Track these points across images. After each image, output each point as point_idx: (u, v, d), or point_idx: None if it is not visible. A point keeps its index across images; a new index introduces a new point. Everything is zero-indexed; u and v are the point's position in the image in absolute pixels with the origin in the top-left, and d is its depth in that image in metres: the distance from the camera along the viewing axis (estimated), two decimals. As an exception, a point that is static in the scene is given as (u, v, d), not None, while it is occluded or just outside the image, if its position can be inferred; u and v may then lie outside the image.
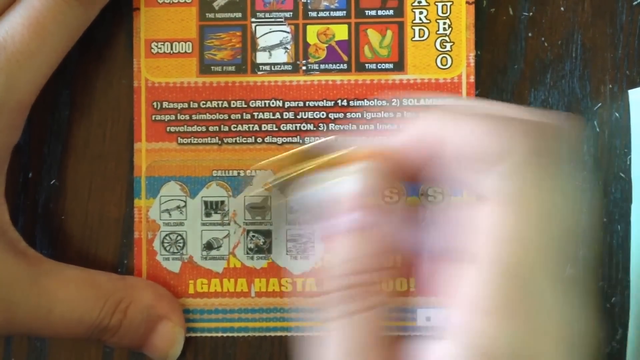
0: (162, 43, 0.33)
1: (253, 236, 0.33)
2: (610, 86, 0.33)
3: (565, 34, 0.33)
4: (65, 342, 0.33)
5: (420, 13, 0.33)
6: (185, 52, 0.33)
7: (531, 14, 0.33)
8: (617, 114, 0.33)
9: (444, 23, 0.33)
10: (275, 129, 0.33)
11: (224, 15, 0.33)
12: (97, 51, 0.33)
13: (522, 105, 0.33)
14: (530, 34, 0.33)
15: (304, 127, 0.33)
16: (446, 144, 0.23)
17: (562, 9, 0.33)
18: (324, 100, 0.33)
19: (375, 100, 0.33)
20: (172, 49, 0.33)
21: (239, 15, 0.33)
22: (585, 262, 0.33)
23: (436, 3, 0.33)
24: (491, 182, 0.22)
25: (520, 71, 0.33)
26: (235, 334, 0.33)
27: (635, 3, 0.33)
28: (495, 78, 0.33)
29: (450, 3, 0.33)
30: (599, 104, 0.33)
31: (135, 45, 0.33)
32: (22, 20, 0.29)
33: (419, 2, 0.33)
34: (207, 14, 0.33)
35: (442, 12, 0.33)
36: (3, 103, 0.29)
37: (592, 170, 0.33)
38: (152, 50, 0.33)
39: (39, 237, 0.33)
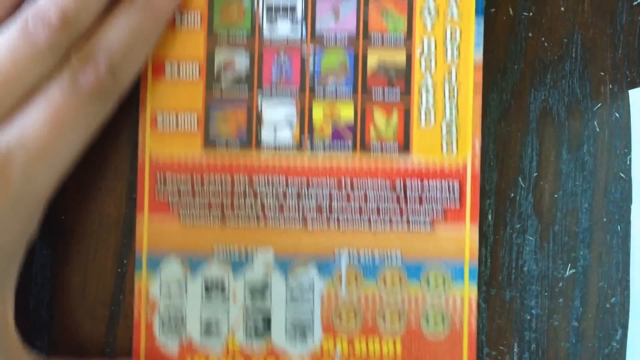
0: (168, 118, 0.33)
1: (253, 317, 0.33)
2: (610, 86, 0.33)
3: (565, 34, 0.33)
4: (65, 344, 0.33)
5: (427, 96, 0.33)
6: (191, 126, 0.33)
7: (531, 14, 0.33)
8: (617, 114, 0.33)
9: (451, 107, 0.33)
10: (277, 206, 0.33)
11: (230, 91, 0.33)
12: (97, 51, 0.34)
13: (522, 105, 0.33)
14: (530, 34, 0.33)
15: (307, 204, 0.33)
16: None
17: (562, 9, 0.33)
18: (327, 178, 0.33)
19: (379, 180, 0.33)
20: (177, 123, 0.33)
21: (245, 90, 0.33)
22: (586, 262, 0.33)
23: (443, 87, 0.33)
24: None
25: (520, 71, 0.33)
26: None
27: (635, 3, 0.33)
28: (495, 78, 0.33)
29: (458, 87, 0.32)
30: (599, 104, 0.33)
31: (141, 119, 0.33)
32: (43, 115, 0.29)
33: (426, 85, 0.33)
34: (213, 89, 0.33)
35: (449, 96, 0.33)
36: (20, 198, 0.29)
37: (592, 170, 0.33)
38: (157, 124, 0.33)
39: (39, 237, 0.33)
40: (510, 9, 0.33)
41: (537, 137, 0.33)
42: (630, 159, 0.33)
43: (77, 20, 0.30)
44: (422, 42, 0.33)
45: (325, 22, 0.33)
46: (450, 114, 0.32)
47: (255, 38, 0.33)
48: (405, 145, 0.33)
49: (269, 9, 0.33)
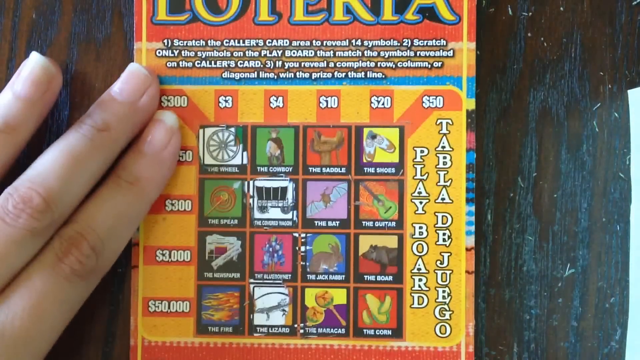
0: (160, 302, 0.33)
1: None
2: (610, 86, 0.33)
3: (565, 34, 0.33)
4: (66, 342, 0.33)
5: (420, 280, 0.33)
6: (183, 311, 0.33)
7: (530, 13, 0.33)
8: (616, 114, 0.33)
9: (444, 291, 0.33)
10: None
11: (222, 275, 0.33)
12: (97, 51, 0.34)
13: (521, 105, 0.33)
14: (529, 34, 0.33)
15: None
16: None
17: (561, 8, 0.33)
18: None
19: None
20: (169, 307, 0.33)
21: (237, 275, 0.33)
22: (585, 262, 0.33)
23: (435, 271, 0.33)
24: None
25: (520, 71, 0.33)
26: None
27: (634, 3, 0.33)
28: (494, 78, 0.33)
29: (450, 272, 0.33)
30: (598, 104, 0.33)
31: (133, 303, 0.33)
32: (23, 303, 0.29)
33: (419, 270, 0.33)
34: (205, 273, 0.33)
35: (442, 281, 0.33)
36: None
37: (591, 170, 0.33)
38: (150, 308, 0.33)
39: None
40: (509, 9, 0.33)
41: (537, 137, 0.33)
42: (629, 159, 0.33)
43: (60, 203, 0.29)
44: (414, 227, 0.33)
45: (316, 208, 0.33)
46: (444, 298, 0.33)
47: (247, 224, 0.33)
48: (398, 330, 0.33)
49: (260, 193, 0.33)
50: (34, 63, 0.31)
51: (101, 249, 0.30)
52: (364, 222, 0.33)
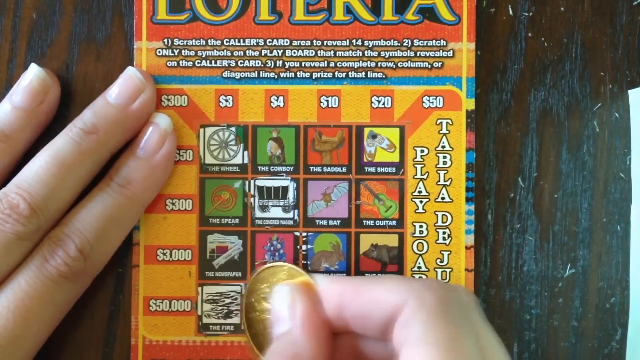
0: (161, 301, 0.33)
1: None
2: (610, 86, 0.33)
3: (565, 34, 0.33)
4: (67, 342, 0.33)
5: (420, 277, 0.33)
6: (184, 310, 0.33)
7: (531, 14, 0.33)
8: (617, 114, 0.33)
9: None
10: None
11: (223, 274, 0.33)
12: (97, 51, 0.34)
13: (522, 105, 0.33)
14: (530, 34, 0.33)
15: None
16: (346, 308, 0.27)
17: (562, 8, 0.33)
18: None
19: None
20: (170, 307, 0.33)
21: (239, 274, 0.33)
22: (585, 262, 0.33)
23: (435, 269, 0.33)
24: (397, 331, 0.25)
25: (520, 71, 0.33)
26: None
27: (635, 3, 0.33)
28: (495, 78, 0.33)
29: (450, 270, 0.33)
30: (599, 104, 0.33)
31: (134, 302, 0.33)
32: (8, 303, 0.29)
33: (419, 268, 0.33)
34: (206, 272, 0.33)
35: (442, 279, 0.33)
36: None
37: (592, 170, 0.33)
38: (150, 308, 0.33)
39: (39, 236, 0.33)
40: (510, 9, 0.33)
41: (537, 137, 0.33)
42: (629, 159, 0.33)
43: (47, 208, 0.30)
44: (414, 226, 0.33)
45: (316, 208, 0.33)
46: None
47: (248, 223, 0.33)
48: None
49: (261, 192, 0.33)
50: (31, 75, 0.32)
51: (89, 251, 0.30)
52: (364, 221, 0.33)
